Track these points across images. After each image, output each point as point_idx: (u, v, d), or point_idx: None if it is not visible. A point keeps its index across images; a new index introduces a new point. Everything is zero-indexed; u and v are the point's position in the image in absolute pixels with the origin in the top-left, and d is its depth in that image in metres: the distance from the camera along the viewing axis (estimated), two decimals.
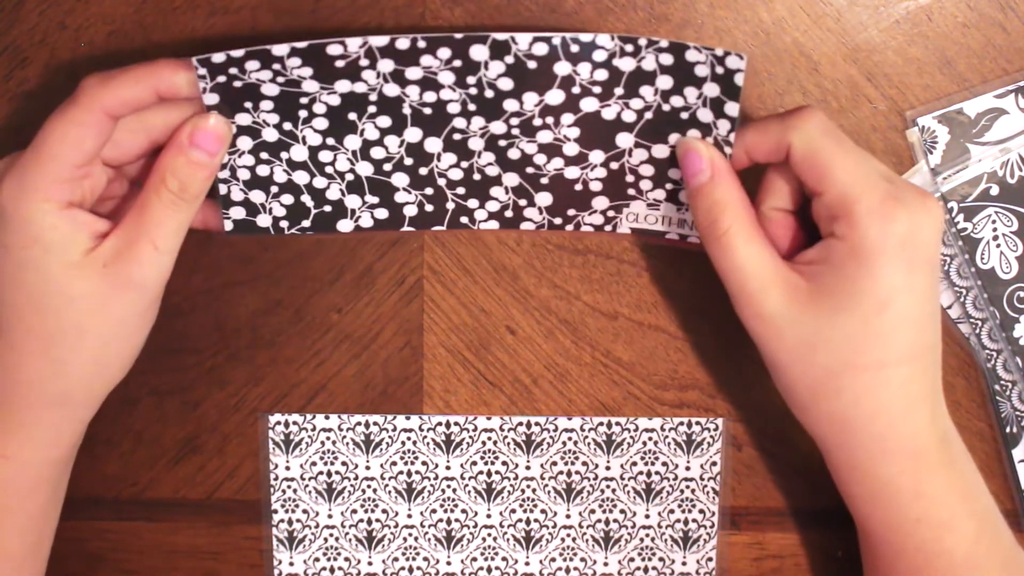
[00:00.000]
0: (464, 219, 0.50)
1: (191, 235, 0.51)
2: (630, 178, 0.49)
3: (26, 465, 0.47)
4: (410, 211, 0.49)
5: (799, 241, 0.47)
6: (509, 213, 0.50)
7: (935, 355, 0.46)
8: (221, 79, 0.45)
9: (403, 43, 0.44)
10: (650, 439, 0.55)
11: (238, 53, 0.44)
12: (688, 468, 0.55)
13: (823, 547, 0.56)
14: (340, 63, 0.45)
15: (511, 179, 0.49)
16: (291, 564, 0.55)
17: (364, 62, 0.45)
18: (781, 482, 0.55)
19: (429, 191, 0.49)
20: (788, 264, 0.46)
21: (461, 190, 0.49)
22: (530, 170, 0.48)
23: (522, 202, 0.49)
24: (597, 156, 0.48)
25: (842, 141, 0.45)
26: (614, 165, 0.48)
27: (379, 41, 0.44)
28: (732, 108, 0.46)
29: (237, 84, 0.45)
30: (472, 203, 0.49)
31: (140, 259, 0.45)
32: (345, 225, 0.50)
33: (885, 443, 0.46)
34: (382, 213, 0.50)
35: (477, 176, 0.49)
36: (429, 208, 0.49)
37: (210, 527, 0.55)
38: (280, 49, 0.44)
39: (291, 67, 0.45)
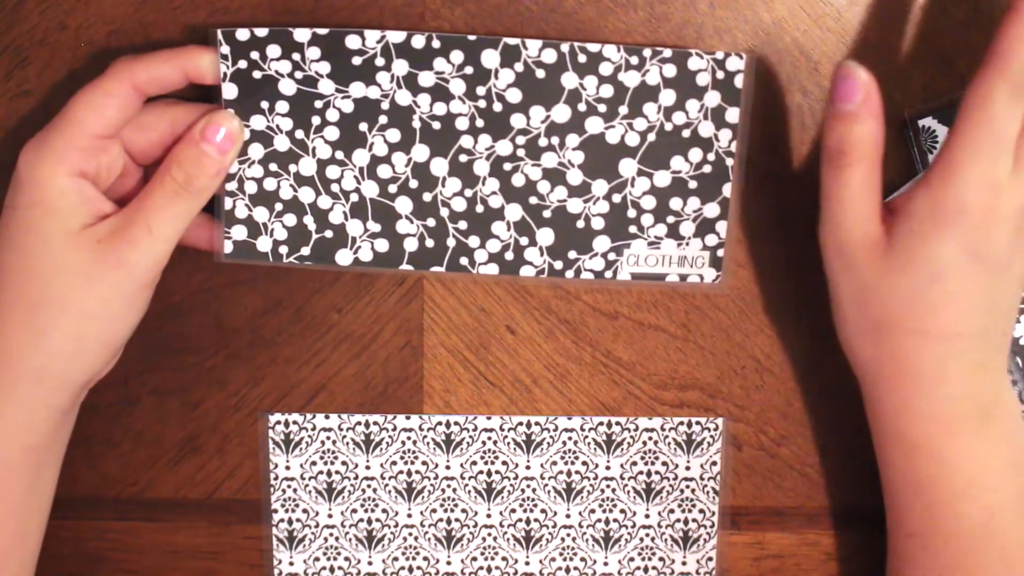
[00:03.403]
0: (464, 260, 0.50)
1: None
2: (632, 213, 0.49)
3: None
4: (410, 245, 0.50)
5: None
6: (509, 255, 0.50)
7: (988, 339, 0.47)
8: (242, 64, 0.46)
9: (418, 41, 0.46)
10: (650, 439, 0.55)
11: (262, 32, 0.46)
12: (688, 468, 0.55)
13: (823, 547, 0.56)
14: (357, 60, 0.46)
15: (514, 212, 0.49)
16: (291, 564, 0.55)
17: (380, 61, 0.46)
18: (781, 482, 0.55)
19: (431, 222, 0.49)
20: (883, 211, 0.46)
21: (463, 224, 0.49)
22: (533, 200, 0.49)
23: (523, 240, 0.49)
24: (600, 187, 0.49)
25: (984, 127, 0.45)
26: (616, 198, 0.49)
27: (396, 37, 0.46)
28: (732, 115, 0.47)
29: (256, 75, 0.47)
30: (473, 241, 0.50)
31: (133, 240, 0.45)
32: (344, 257, 0.50)
33: (911, 401, 0.47)
34: (382, 245, 0.50)
35: (480, 208, 0.49)
36: (430, 243, 0.50)
37: (210, 527, 0.55)
38: (301, 34, 0.46)
39: (310, 59, 0.46)
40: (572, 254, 0.50)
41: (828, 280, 0.48)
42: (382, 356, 0.54)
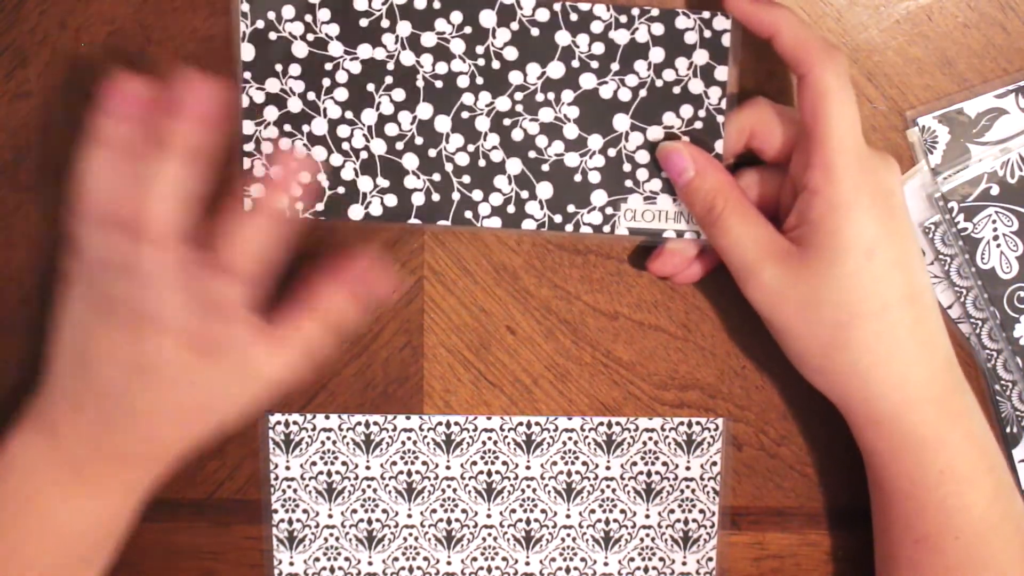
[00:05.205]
0: (468, 213, 0.51)
1: None
2: (627, 167, 0.50)
3: (118, 523, 0.50)
4: (417, 200, 0.51)
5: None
6: (511, 208, 0.50)
7: (932, 298, 0.47)
8: (260, 24, 0.49)
9: (420, 2, 0.48)
10: (650, 439, 0.55)
11: None
12: (688, 468, 0.55)
13: (823, 547, 0.56)
14: (364, 22, 0.49)
15: (514, 166, 0.50)
16: (291, 564, 0.55)
17: (385, 23, 0.49)
18: (781, 482, 0.55)
19: (437, 177, 0.50)
20: (780, 233, 0.47)
21: (467, 178, 0.50)
22: (532, 154, 0.50)
23: (524, 194, 0.50)
24: (595, 141, 0.50)
25: (851, 93, 0.46)
26: (611, 152, 0.50)
27: None
28: (721, 72, 0.49)
29: (272, 36, 0.49)
30: (476, 194, 0.50)
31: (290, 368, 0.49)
32: (356, 211, 0.51)
33: (905, 391, 0.47)
34: (391, 200, 0.51)
35: (482, 162, 0.50)
36: (436, 197, 0.50)
37: (210, 527, 0.55)
38: None
39: (320, 21, 0.49)
40: (571, 208, 0.51)
41: (770, 326, 0.48)
42: (382, 356, 0.54)
